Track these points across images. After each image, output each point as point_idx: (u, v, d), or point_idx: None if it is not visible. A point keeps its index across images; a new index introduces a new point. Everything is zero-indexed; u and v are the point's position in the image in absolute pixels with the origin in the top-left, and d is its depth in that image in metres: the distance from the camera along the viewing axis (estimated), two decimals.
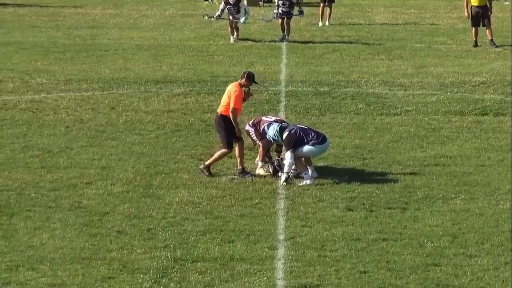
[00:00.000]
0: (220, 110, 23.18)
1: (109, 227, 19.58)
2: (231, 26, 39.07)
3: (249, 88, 23.41)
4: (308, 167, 23.12)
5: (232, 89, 22.97)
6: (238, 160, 23.07)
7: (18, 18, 44.65)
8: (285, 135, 23.00)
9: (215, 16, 39.10)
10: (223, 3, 38.89)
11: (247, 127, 23.59)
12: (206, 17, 41.10)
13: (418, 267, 17.70)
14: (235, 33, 39.23)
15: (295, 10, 38.77)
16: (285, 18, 38.64)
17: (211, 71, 33.37)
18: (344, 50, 37.64)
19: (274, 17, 38.86)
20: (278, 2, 38.40)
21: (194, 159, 23.98)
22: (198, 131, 26.46)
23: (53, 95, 30.05)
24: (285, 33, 38.88)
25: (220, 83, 31.52)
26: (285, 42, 38.65)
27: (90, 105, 28.94)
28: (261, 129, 23.29)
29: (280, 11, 38.49)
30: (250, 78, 23.23)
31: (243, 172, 22.96)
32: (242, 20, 38.57)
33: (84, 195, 21.42)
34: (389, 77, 32.64)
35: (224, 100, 23.08)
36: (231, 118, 22.81)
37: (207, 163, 22.97)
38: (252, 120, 23.71)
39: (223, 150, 23.04)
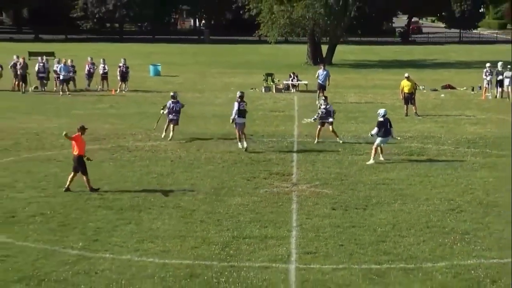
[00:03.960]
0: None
1: (195, 218, 19.75)
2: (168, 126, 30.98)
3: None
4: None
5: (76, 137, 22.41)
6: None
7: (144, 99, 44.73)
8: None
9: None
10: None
11: None
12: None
13: (373, 242, 17.77)
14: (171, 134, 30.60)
15: (331, 117, 30.22)
16: (324, 125, 30.19)
17: (255, 129, 33.28)
18: None
19: (315, 118, 31.02)
20: (321, 108, 30.61)
21: (245, 180, 24.02)
22: (246, 164, 26.47)
23: (164, 143, 30.17)
24: (318, 138, 30.25)
25: (261, 137, 31.51)
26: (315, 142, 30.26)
27: (185, 148, 29.06)
28: None
29: (320, 117, 30.41)
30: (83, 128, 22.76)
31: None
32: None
33: (181, 200, 21.56)
34: (356, 133, 32.61)
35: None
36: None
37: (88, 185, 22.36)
38: None
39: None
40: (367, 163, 26.51)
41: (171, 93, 31.53)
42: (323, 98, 31.63)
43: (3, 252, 16.98)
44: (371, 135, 27.52)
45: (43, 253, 16.92)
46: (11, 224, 19.08)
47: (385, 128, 26.99)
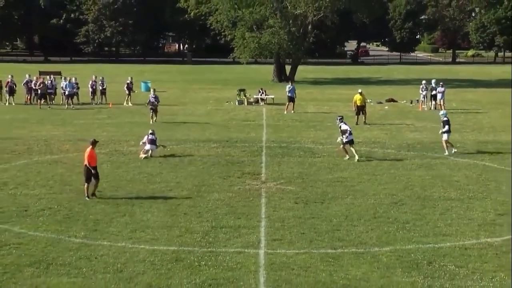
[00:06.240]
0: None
1: (180, 211, 19.58)
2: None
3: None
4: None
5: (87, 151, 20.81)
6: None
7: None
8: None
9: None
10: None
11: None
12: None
13: (329, 231, 17.70)
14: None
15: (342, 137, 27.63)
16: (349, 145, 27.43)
17: (230, 136, 33.33)
18: (294, 126, 37.64)
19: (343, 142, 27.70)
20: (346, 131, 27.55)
21: (222, 179, 23.86)
22: (223, 165, 26.34)
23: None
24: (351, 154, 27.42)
25: (234, 142, 31.49)
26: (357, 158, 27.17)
27: (171, 152, 28.78)
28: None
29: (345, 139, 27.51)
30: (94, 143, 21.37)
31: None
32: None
33: (168, 196, 21.36)
34: (315, 139, 32.62)
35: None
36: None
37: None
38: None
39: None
40: (445, 154, 28.21)
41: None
42: (339, 118, 28.38)
43: (17, 240, 16.81)
44: (442, 132, 28.69)
45: (51, 241, 16.75)
46: (24, 217, 18.88)
47: (449, 125, 28.59)
